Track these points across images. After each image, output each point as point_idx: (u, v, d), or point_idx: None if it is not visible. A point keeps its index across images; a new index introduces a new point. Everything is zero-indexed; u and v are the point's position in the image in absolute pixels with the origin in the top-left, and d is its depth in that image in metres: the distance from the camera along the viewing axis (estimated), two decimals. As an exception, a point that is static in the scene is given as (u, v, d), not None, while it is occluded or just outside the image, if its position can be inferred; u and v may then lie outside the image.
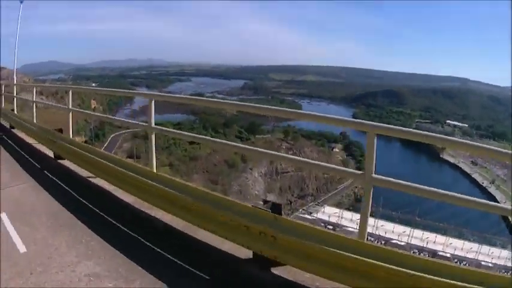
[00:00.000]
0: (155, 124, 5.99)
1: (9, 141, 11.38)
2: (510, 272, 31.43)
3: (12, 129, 12.95)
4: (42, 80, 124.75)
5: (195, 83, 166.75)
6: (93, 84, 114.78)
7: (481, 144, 4.08)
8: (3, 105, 17.42)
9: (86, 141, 55.28)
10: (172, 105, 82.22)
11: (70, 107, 9.12)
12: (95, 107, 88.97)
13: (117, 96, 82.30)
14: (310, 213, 45.40)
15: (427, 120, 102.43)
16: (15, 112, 13.92)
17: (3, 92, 20.32)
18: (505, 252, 38.60)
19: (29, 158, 9.47)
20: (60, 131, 9.22)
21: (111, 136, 77.78)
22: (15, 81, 15.29)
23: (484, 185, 74.88)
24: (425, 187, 3.71)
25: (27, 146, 10.62)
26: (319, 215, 42.76)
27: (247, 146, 6.05)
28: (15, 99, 14.87)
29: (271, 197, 51.88)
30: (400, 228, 42.47)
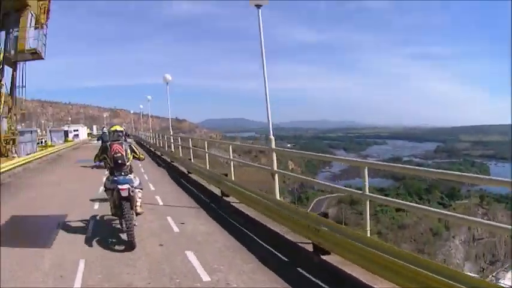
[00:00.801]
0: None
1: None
2: None
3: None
4: (230, 137, 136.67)
5: (391, 145, 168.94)
6: (288, 145, 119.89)
7: None
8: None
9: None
10: (369, 169, 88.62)
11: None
12: (292, 168, 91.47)
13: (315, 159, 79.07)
14: (498, 279, 45.70)
15: None
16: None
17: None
18: None
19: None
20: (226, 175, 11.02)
21: (316, 200, 78.15)
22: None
23: None
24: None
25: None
26: (506, 281, 43.06)
27: (450, 213, 6.59)
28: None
29: (468, 265, 54.53)
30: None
